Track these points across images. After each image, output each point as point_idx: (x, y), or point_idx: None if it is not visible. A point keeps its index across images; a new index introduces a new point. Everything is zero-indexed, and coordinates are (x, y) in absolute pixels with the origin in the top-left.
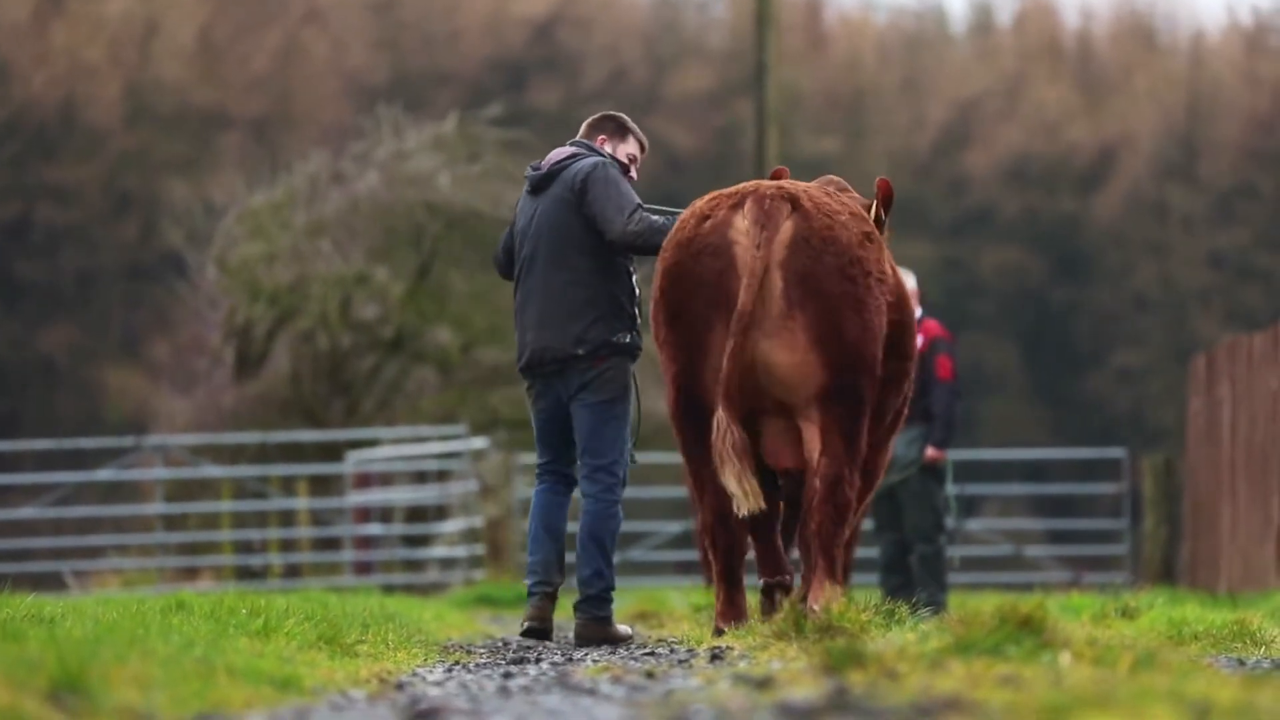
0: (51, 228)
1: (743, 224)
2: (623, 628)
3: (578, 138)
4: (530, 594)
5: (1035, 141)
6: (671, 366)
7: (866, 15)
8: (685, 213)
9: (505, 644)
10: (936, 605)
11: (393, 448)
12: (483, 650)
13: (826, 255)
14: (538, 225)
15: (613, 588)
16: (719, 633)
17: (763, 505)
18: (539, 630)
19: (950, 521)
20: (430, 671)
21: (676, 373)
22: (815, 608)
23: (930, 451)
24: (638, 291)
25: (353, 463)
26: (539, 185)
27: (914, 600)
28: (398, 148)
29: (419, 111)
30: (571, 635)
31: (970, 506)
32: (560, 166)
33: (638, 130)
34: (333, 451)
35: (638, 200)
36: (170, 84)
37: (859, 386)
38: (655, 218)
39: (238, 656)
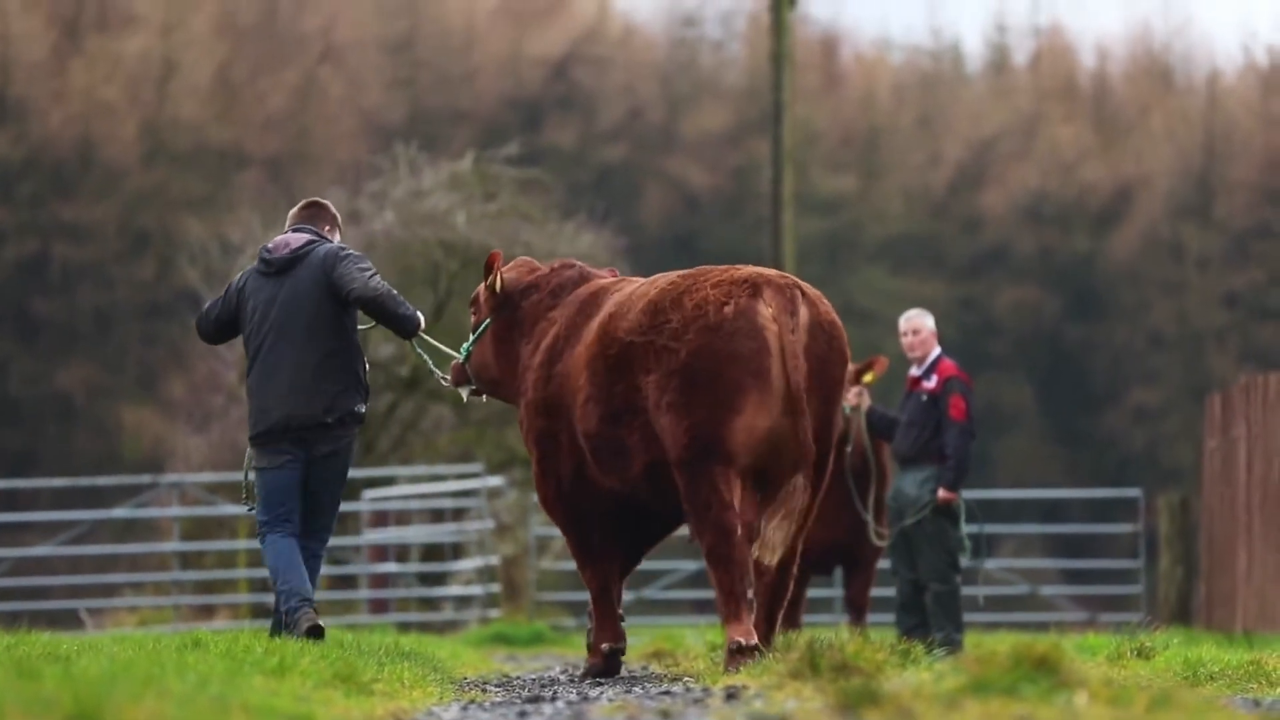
0: (68, 265)
1: (767, 310)
2: None
3: (299, 224)
4: (298, 611)
5: (1051, 181)
6: (685, 420)
7: (882, 54)
8: (700, 295)
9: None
10: (952, 645)
11: (409, 486)
12: (498, 688)
13: (835, 341)
14: (285, 304)
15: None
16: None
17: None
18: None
19: (966, 561)
20: (445, 709)
21: (691, 425)
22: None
23: (942, 493)
24: (368, 366)
25: (369, 501)
26: (284, 267)
27: (930, 640)
28: (414, 186)
29: (435, 150)
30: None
31: (988, 546)
32: (305, 250)
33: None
34: (349, 489)
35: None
36: (187, 122)
37: (824, 467)
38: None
39: (253, 695)
